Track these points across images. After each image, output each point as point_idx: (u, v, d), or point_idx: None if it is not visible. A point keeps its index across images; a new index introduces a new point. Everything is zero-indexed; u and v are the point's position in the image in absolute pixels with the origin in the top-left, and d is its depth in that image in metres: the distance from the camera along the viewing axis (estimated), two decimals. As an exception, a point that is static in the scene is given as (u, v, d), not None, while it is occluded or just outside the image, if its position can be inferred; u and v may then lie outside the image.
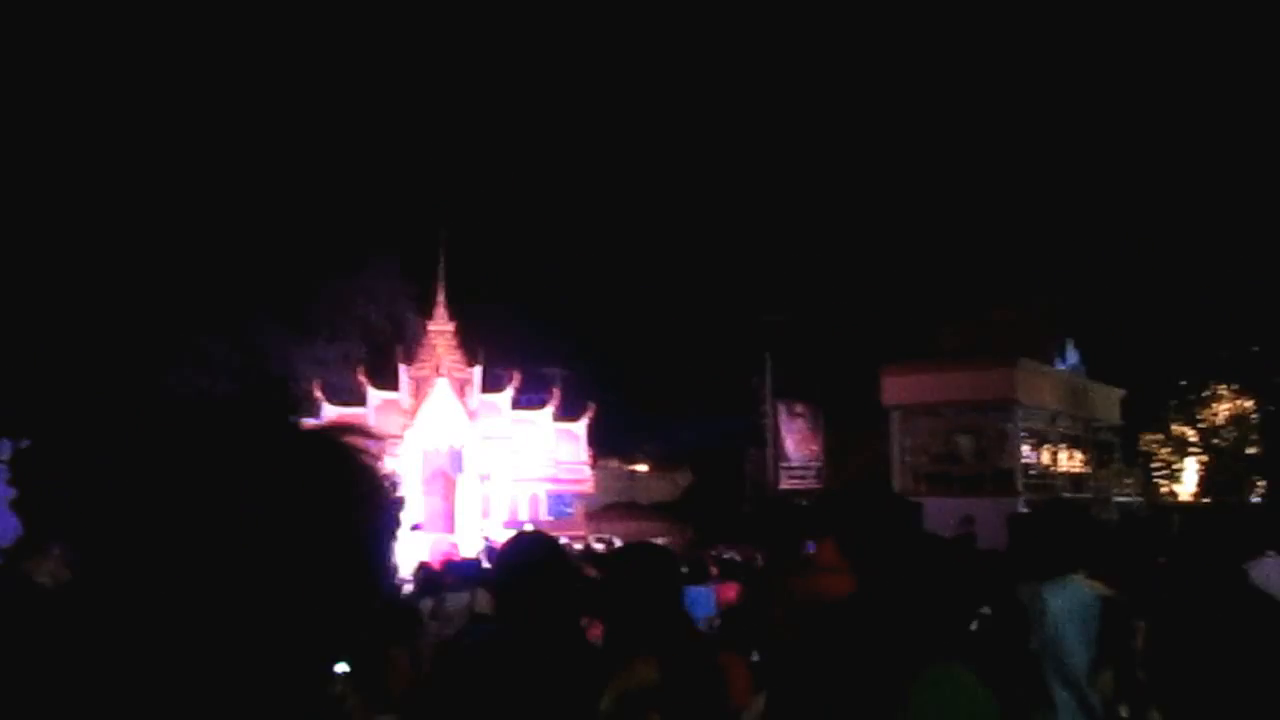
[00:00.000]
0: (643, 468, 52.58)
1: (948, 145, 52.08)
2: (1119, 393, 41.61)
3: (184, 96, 45.94)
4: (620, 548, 6.83)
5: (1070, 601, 5.28)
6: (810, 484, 40.99)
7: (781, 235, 51.81)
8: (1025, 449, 36.04)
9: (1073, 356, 39.97)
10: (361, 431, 1.37)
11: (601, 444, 43.21)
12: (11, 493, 37.03)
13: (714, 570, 14.84)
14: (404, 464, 34.79)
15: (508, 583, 4.01)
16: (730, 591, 12.38)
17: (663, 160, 58.33)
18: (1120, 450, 43.00)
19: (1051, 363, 38.02)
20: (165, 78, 45.71)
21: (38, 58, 43.60)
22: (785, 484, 41.27)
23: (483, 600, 9.28)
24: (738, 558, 18.73)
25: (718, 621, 10.54)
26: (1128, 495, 40.12)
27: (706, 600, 11.12)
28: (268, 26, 49.86)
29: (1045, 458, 38.44)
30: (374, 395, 36.77)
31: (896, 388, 35.88)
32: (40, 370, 38.97)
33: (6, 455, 38.93)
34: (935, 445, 36.01)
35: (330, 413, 36.61)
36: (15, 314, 39.78)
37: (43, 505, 36.27)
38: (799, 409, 41.50)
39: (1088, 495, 36.89)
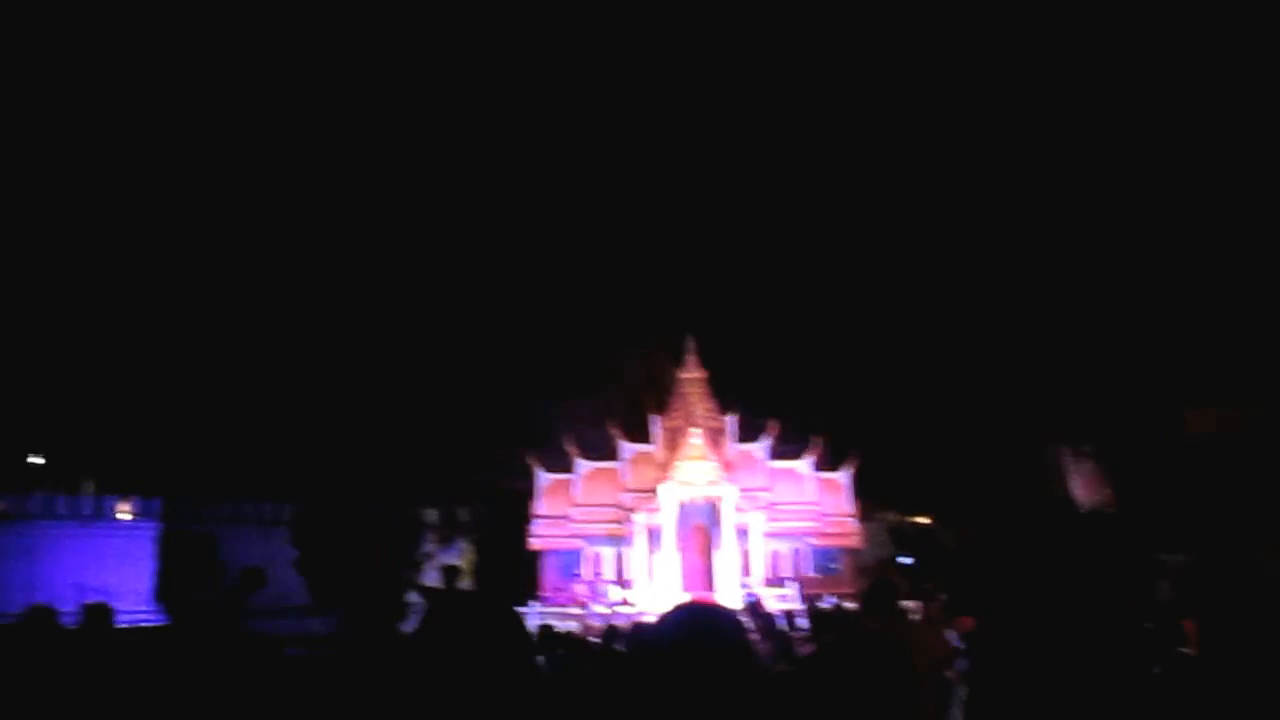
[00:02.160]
0: (924, 520, 49.63)
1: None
2: None
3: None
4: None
5: None
6: (1102, 533, 37.21)
7: (1060, 263, 48.08)
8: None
9: None
10: None
11: (873, 495, 40.92)
12: (294, 554, 38.92)
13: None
14: (659, 519, 33.77)
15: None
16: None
17: (925, 197, 55.68)
18: None
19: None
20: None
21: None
22: (1069, 531, 37.63)
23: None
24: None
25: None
26: None
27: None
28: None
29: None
30: (626, 449, 36.01)
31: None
32: (320, 437, 40.54)
33: (288, 518, 41.06)
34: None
35: (584, 468, 36.15)
36: (304, 393, 42.05)
37: (323, 566, 37.65)
38: (1086, 451, 37.83)
39: None
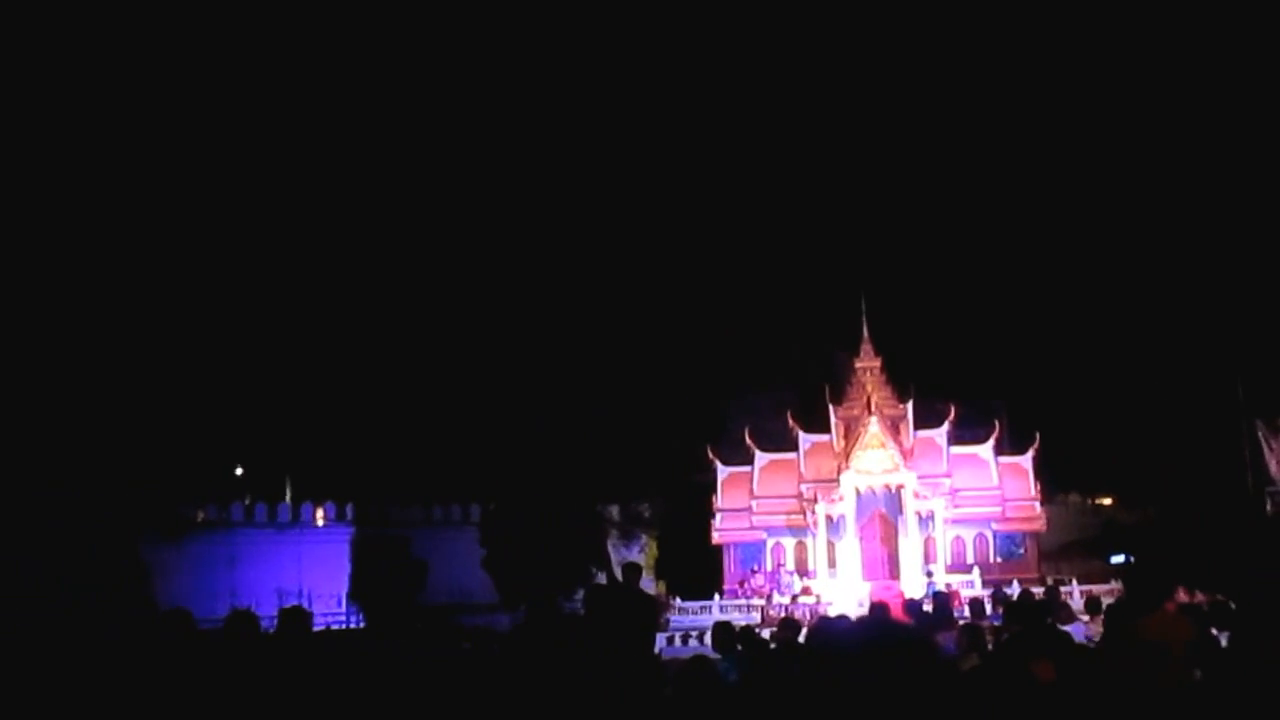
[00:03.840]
0: (1107, 501, 48.09)
1: None
2: None
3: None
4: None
5: None
6: (1303, 509, 35.40)
7: (1254, 222, 45.71)
8: None
9: None
10: None
11: (1058, 478, 39.95)
12: (483, 552, 40.28)
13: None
14: (839, 508, 33.77)
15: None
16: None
17: (1101, 163, 53.56)
18: None
19: None
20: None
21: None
22: (1271, 509, 35.86)
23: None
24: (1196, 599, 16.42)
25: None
26: None
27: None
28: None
29: None
30: (804, 439, 36.07)
31: None
32: (506, 438, 41.84)
33: (476, 519, 42.50)
34: None
35: (762, 460, 36.39)
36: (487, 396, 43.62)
37: (509, 564, 38.91)
38: (1280, 422, 36.01)
39: None
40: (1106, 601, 16.72)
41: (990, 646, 9.37)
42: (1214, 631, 9.46)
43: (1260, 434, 36.68)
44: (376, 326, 48.11)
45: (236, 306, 47.08)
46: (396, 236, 50.57)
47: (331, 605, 36.75)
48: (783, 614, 28.09)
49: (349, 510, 41.39)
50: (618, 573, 21.72)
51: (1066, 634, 9.36)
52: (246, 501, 40.91)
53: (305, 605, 8.50)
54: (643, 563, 40.95)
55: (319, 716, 6.00)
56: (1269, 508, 36.17)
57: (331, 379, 46.21)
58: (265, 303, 47.53)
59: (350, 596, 39.20)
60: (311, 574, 38.22)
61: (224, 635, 6.68)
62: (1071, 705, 5.78)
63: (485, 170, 52.23)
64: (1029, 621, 9.93)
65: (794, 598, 31.63)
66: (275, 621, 7.17)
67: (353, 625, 35.31)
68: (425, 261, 49.64)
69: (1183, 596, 16.60)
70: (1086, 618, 13.88)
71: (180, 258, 45.85)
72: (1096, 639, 11.15)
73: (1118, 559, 38.19)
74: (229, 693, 5.81)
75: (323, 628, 27.51)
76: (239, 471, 45.99)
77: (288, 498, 42.07)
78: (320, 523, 41.08)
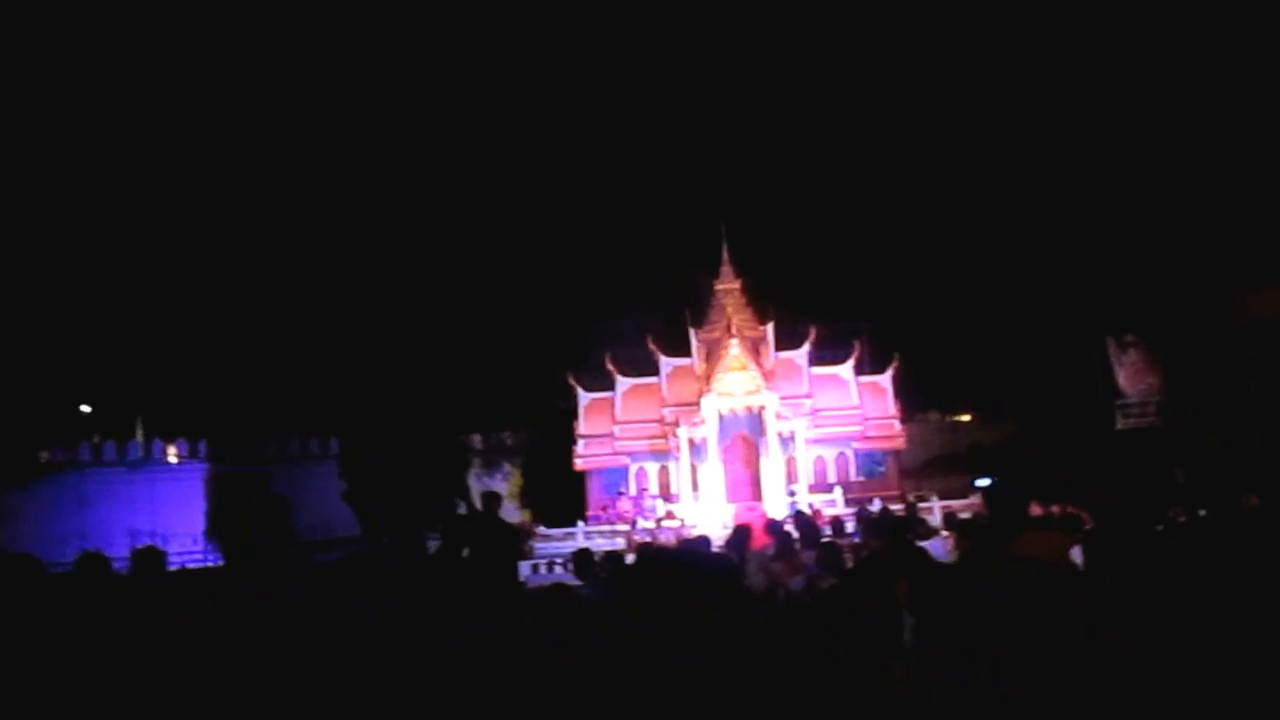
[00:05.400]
0: (966, 418, 49.25)
1: None
2: None
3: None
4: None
5: None
6: (1150, 421, 36.67)
7: (1107, 154, 46.78)
8: None
9: None
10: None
11: (918, 397, 40.61)
12: (343, 486, 39.29)
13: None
14: (701, 431, 33.66)
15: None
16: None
17: (965, 77, 54.05)
18: None
19: None
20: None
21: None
22: (1122, 424, 37.11)
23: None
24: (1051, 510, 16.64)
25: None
26: None
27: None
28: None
29: None
30: (665, 363, 35.85)
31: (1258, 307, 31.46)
32: (363, 370, 40.69)
33: (336, 452, 41.39)
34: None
35: (624, 386, 36.03)
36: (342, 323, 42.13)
37: (370, 497, 38.02)
38: (1130, 339, 37.12)
39: None
40: (963, 517, 16.84)
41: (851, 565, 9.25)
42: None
43: (1110, 350, 37.83)
44: (226, 256, 46.14)
45: (76, 235, 44.54)
46: (248, 160, 48.46)
47: (188, 544, 35.57)
48: (647, 539, 28.01)
49: (203, 447, 40.03)
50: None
51: (923, 550, 9.20)
52: (95, 440, 39.24)
53: (160, 545, 8.00)
54: (507, 491, 40.55)
55: (176, 657, 5.65)
56: (1119, 422, 37.44)
57: (180, 312, 44.25)
58: (107, 231, 45.10)
59: (207, 535, 37.91)
60: (166, 513, 37.14)
61: (74, 579, 6.51)
62: (926, 620, 5.47)
63: (342, 90, 50.31)
64: (887, 538, 9.80)
65: (658, 522, 31.48)
66: (128, 563, 6.91)
67: (211, 564, 34.16)
68: (278, 186, 47.72)
69: (1036, 510, 16.80)
70: (946, 534, 13.93)
71: (14, 176, 43.17)
72: (954, 555, 11.10)
73: (982, 482, 39.08)
74: (81, 637, 5.60)
75: (179, 567, 26.59)
76: (86, 410, 43.88)
77: (139, 436, 40.38)
78: (173, 460, 39.68)
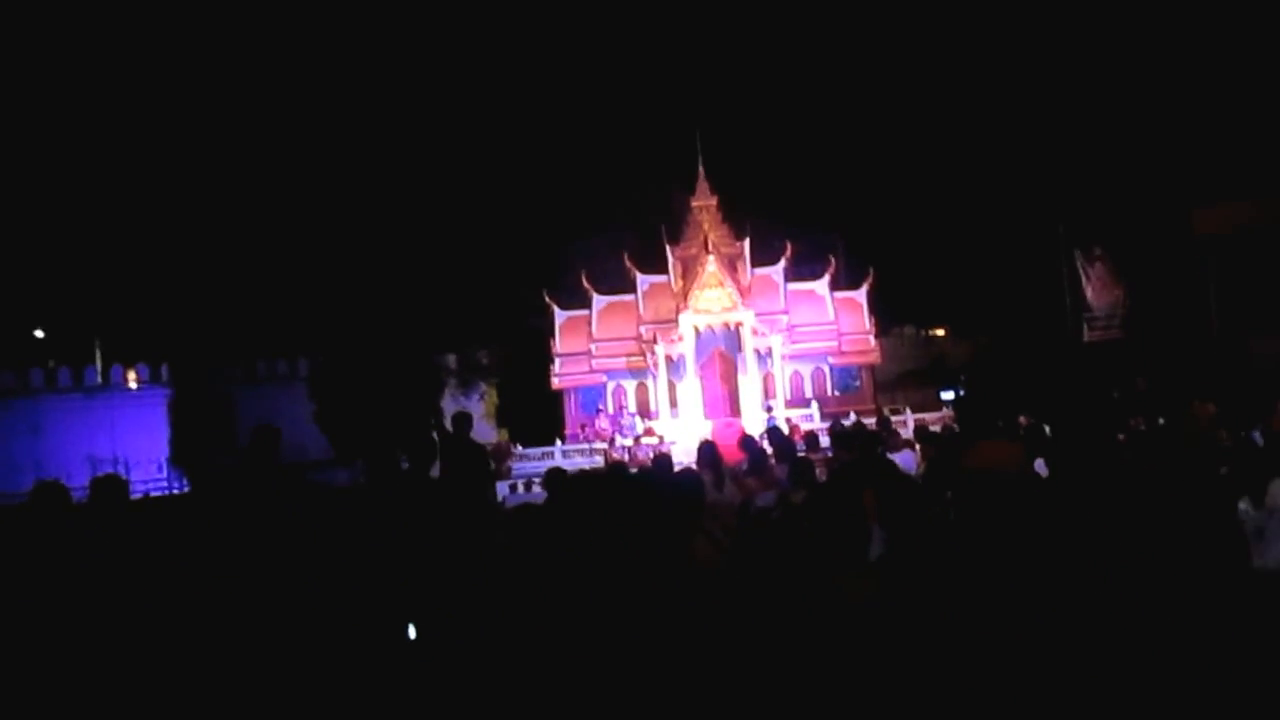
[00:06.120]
0: (940, 332, 49.41)
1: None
2: None
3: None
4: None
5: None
6: (1115, 334, 36.88)
7: (1073, 68, 46.31)
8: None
9: None
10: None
11: (893, 311, 40.66)
12: (312, 408, 38.95)
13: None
14: (679, 348, 33.60)
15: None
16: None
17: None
18: None
19: None
20: None
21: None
22: (1089, 336, 37.30)
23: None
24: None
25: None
26: None
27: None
28: None
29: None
30: (642, 280, 35.58)
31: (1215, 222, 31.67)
32: (332, 288, 40.15)
33: (305, 374, 40.94)
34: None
35: (600, 303, 35.84)
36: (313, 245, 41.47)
37: (342, 419, 37.75)
38: (1097, 253, 37.15)
39: None
40: (933, 429, 16.87)
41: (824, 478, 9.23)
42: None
43: (1079, 264, 37.91)
44: (188, 170, 45.22)
45: (27, 151, 43.48)
46: (214, 79, 47.43)
47: (152, 471, 35.27)
48: (625, 456, 28.05)
49: (164, 371, 39.20)
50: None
51: (891, 462, 9.18)
52: (51, 365, 38.38)
53: (122, 473, 7.82)
54: (483, 411, 40.49)
55: (139, 585, 5.53)
56: (1086, 334, 37.66)
57: (139, 230, 43.34)
58: (59, 146, 44.08)
59: (171, 461, 37.57)
60: (127, 440, 36.55)
61: (29, 508, 6.26)
62: (893, 532, 5.51)
63: (309, 9, 49.18)
64: (859, 451, 9.77)
65: (637, 439, 31.51)
66: (87, 492, 6.67)
67: (175, 491, 33.95)
68: (242, 101, 46.76)
69: (1023, 422, 16.89)
70: (918, 446, 13.94)
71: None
72: (922, 468, 11.08)
73: (947, 394, 39.23)
74: (40, 567, 5.48)
75: (142, 495, 26.39)
76: (39, 334, 42.97)
77: (97, 361, 39.47)
78: (133, 385, 38.88)
